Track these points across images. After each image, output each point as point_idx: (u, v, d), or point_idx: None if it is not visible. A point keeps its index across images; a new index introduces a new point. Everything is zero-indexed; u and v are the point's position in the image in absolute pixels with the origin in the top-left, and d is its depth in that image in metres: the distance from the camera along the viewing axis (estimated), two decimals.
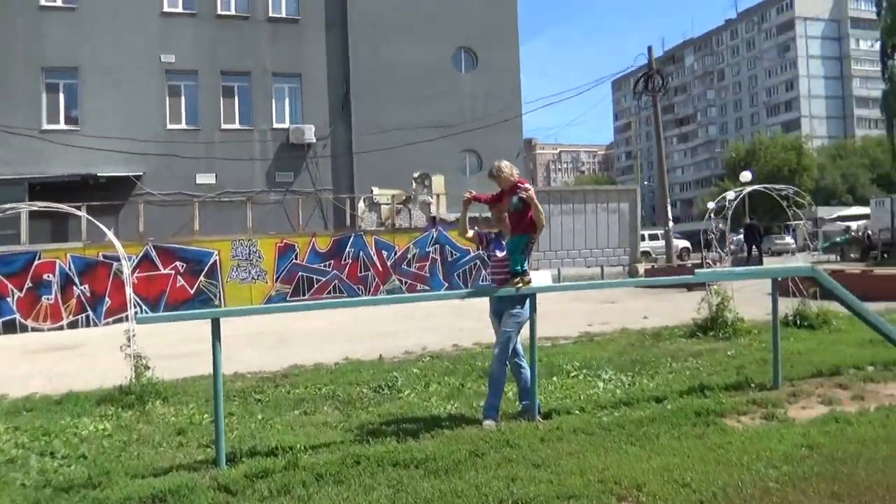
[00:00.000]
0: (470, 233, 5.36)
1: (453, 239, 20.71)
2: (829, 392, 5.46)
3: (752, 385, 5.72)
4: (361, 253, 19.70)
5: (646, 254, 28.78)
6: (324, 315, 13.00)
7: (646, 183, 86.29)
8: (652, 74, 22.42)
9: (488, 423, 4.90)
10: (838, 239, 30.04)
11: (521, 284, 4.96)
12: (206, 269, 18.01)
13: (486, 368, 7.37)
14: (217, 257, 18.12)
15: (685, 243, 38.93)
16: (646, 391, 5.87)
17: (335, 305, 5.18)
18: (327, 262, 19.30)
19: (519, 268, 4.99)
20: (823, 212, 56.21)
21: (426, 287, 20.12)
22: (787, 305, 10.06)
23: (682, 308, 12.64)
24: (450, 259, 20.61)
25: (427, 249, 20.38)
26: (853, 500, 3.18)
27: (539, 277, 21.06)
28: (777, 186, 9.59)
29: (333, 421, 5.46)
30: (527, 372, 5.22)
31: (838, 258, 29.78)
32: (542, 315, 12.96)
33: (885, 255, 24.81)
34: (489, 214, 5.40)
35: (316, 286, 19.05)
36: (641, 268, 22.78)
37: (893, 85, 21.14)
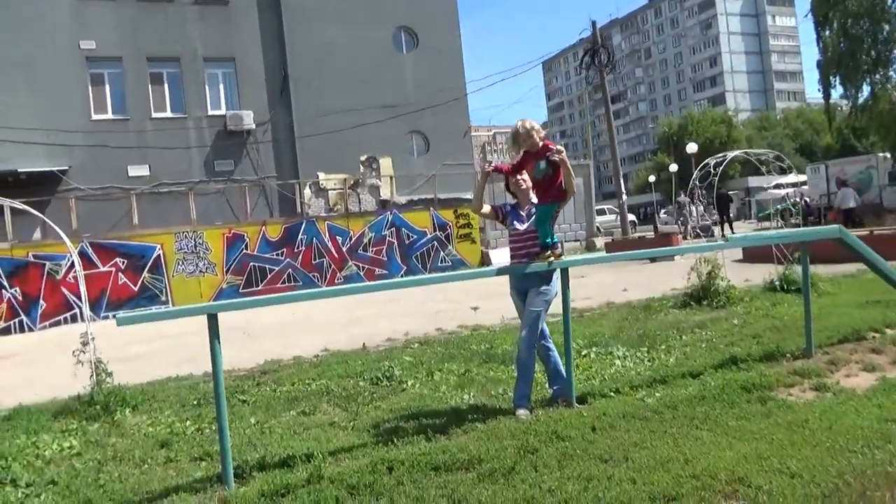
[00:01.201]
0: (486, 208, 4.80)
1: (409, 221, 20.14)
2: (866, 358, 5.19)
3: (786, 355, 5.40)
4: (315, 240, 18.87)
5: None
6: (283, 306, 12.24)
7: (582, 160, 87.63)
8: (597, 49, 22.22)
9: (522, 412, 4.40)
10: (778, 206, 30.86)
11: (552, 258, 4.44)
12: (149, 265, 16.85)
13: (485, 352, 6.93)
14: (161, 251, 16.98)
15: (631, 217, 39.41)
16: (672, 367, 5.48)
17: (344, 293, 4.55)
18: (279, 251, 18.40)
19: (549, 240, 4.46)
20: (753, 182, 58.30)
21: (385, 272, 19.49)
22: (772, 271, 9.98)
23: (657, 280, 12.49)
24: (407, 242, 20.03)
25: (383, 233, 19.73)
26: None
27: (498, 256, 20.73)
28: (758, 151, 9.42)
29: (340, 420, 4.85)
30: (556, 354, 4.74)
31: (782, 225, 30.64)
32: None
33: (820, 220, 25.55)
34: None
35: (269, 276, 18.14)
36: (599, 242, 22.75)
37: (827, 56, 21.61)
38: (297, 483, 3.51)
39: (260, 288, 17.89)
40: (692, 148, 24.17)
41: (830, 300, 8.43)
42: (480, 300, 11.25)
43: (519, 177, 4.56)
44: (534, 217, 4.53)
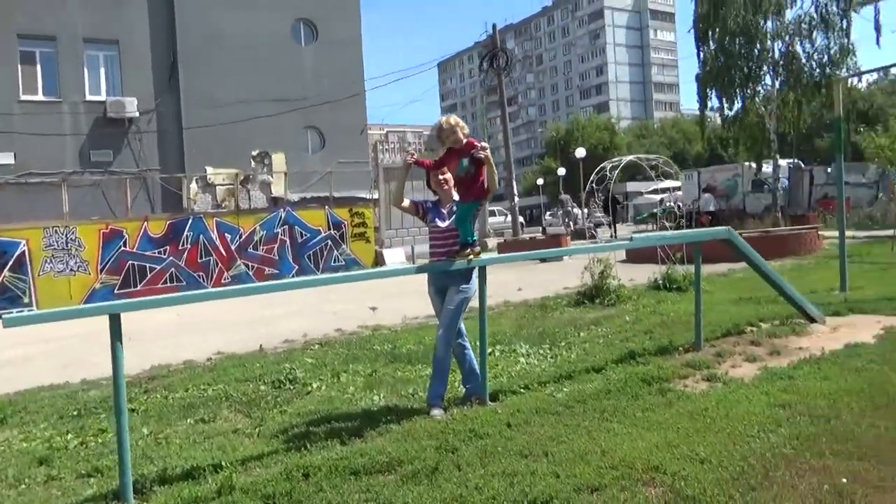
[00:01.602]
0: (406, 202, 4.72)
1: (303, 219, 19.64)
2: (748, 350, 5.58)
3: (678, 348, 5.69)
4: (202, 237, 17.96)
5: None
6: (167, 308, 11.58)
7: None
8: (496, 53, 22.65)
9: (437, 412, 4.36)
10: (655, 210, 32.79)
11: (472, 256, 4.43)
12: (10, 262, 15.37)
13: (390, 352, 6.85)
14: (26, 247, 15.55)
15: (520, 218, 40.48)
16: (574, 363, 5.65)
17: (274, 289, 4.33)
18: (162, 249, 17.36)
19: (470, 238, 4.45)
20: (631, 186, 61.67)
21: (275, 271, 18.89)
22: (654, 271, 10.55)
23: (549, 279, 12.91)
24: (300, 240, 19.50)
25: (275, 231, 19.10)
26: (872, 458, 3.08)
27: (393, 256, 20.66)
28: (649, 157, 9.94)
29: (244, 427, 4.60)
30: (471, 353, 4.74)
31: (654, 228, 32.59)
32: (414, 294, 12.51)
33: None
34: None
35: (150, 275, 17.07)
36: (490, 242, 23.18)
37: (705, 69, 23.18)
38: (206, 496, 3.28)
39: (139, 288, 16.79)
40: (580, 153, 25.22)
41: (708, 298, 8.92)
42: (378, 300, 11.14)
43: (441, 176, 4.52)
44: (455, 215, 4.51)
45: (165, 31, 22.91)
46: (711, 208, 24.88)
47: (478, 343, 4.71)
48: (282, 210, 19.45)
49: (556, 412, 4.17)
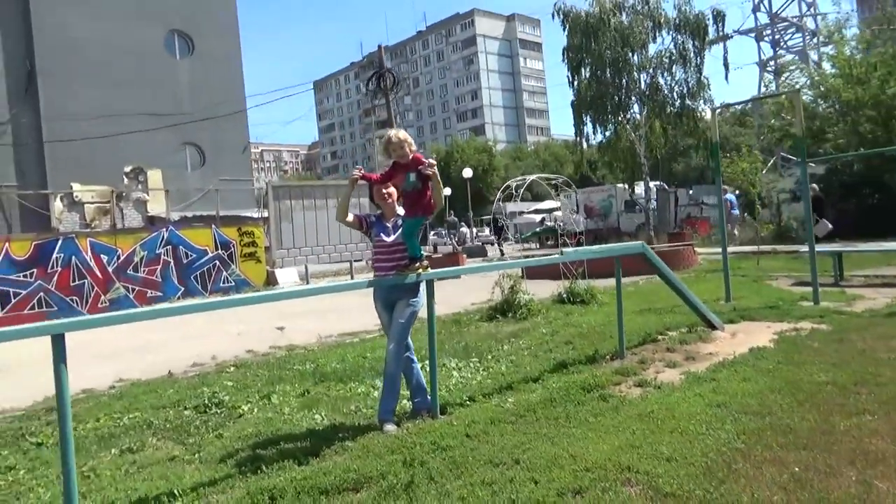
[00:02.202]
0: (350, 216, 4.65)
1: (188, 239, 18.65)
2: (666, 356, 5.96)
3: (605, 357, 5.99)
4: (74, 259, 16.56)
5: None
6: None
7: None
8: (384, 73, 22.82)
9: (390, 426, 4.32)
10: (538, 229, 34.13)
11: (421, 270, 4.45)
12: None
13: (315, 371, 6.66)
14: None
15: None
16: (508, 374, 5.78)
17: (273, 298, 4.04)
18: (28, 272, 15.82)
19: (418, 252, 4.47)
20: (511, 207, 63.81)
21: (159, 294, 17.77)
22: (554, 286, 11.00)
23: (454, 296, 13.06)
24: (185, 261, 18.48)
25: (157, 251, 17.98)
26: (815, 448, 3.40)
27: (285, 276, 20.10)
28: (550, 176, 10.39)
29: (181, 454, 4.32)
30: (418, 366, 4.75)
31: (537, 245, 33.98)
32: (322, 311, 12.22)
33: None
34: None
35: (14, 301, 15.50)
36: None
37: (580, 97, 24.63)
38: None
39: (1, 315, 15.21)
40: (468, 173, 25.88)
41: (610, 310, 9.53)
42: (281, 320, 10.84)
43: (385, 190, 4.51)
44: (401, 230, 4.52)
45: (21, 36, 21.20)
46: (581, 227, 26.32)
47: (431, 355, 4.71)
48: (164, 229, 18.35)
49: (510, 421, 4.26)
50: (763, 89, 32.86)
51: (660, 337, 6.89)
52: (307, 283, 20.09)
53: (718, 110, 26.79)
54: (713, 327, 7.03)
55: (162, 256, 18.08)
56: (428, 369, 4.80)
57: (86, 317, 3.30)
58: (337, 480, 3.44)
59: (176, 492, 3.47)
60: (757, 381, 4.76)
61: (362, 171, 4.51)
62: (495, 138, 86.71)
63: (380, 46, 23.32)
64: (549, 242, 33.60)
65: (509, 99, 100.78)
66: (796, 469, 3.14)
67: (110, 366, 8.10)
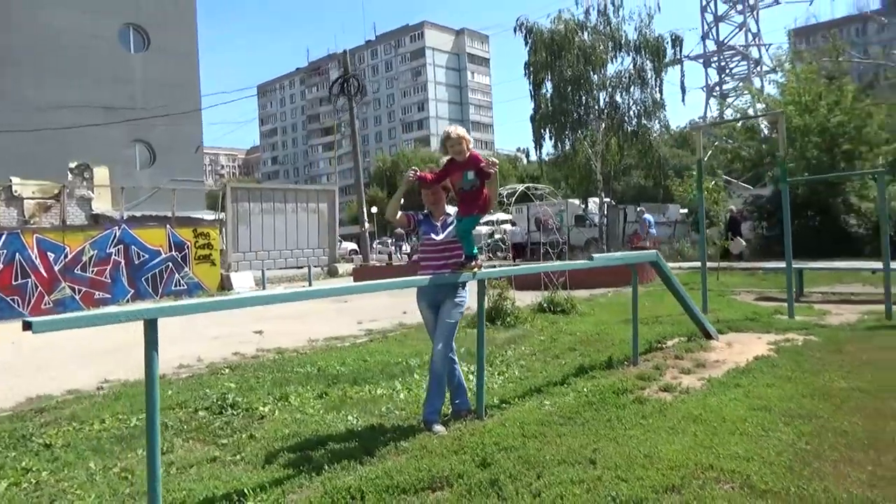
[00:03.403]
0: (399, 214, 4.58)
1: (141, 239, 17.93)
2: (677, 363, 6.08)
3: (623, 362, 6.07)
4: (18, 256, 15.65)
5: None
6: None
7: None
8: (349, 79, 22.61)
9: (439, 427, 4.25)
10: (489, 240, 34.44)
11: (476, 269, 4.42)
12: None
13: (321, 374, 6.49)
14: None
15: (353, 245, 40.26)
16: (527, 380, 5.77)
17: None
18: None
19: (475, 251, 4.43)
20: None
21: (107, 295, 16.97)
22: (539, 295, 11.09)
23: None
24: (137, 261, 17.74)
25: (108, 251, 17.20)
26: (878, 449, 3.53)
27: (241, 280, 19.58)
28: (539, 186, 10.51)
29: (222, 455, 4.11)
30: (459, 367, 4.68)
31: (490, 257, 34.30)
32: (299, 316, 11.95)
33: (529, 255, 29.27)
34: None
35: None
36: (341, 268, 22.81)
37: (540, 111, 25.08)
38: None
39: None
40: None
41: (594, 319, 9.70)
42: (258, 323, 10.56)
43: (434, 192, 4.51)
44: (451, 227, 4.48)
45: None
46: (519, 240, 26.86)
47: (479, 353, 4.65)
48: (116, 228, 17.56)
49: (559, 423, 4.25)
50: (709, 113, 34.27)
51: (662, 345, 7.03)
52: (263, 288, 19.61)
53: (684, 128, 27.92)
54: (710, 337, 7.24)
55: (112, 256, 17.32)
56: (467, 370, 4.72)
57: (180, 303, 3.14)
58: (412, 479, 3.35)
59: (246, 491, 3.30)
60: (782, 387, 4.92)
61: (417, 172, 4.45)
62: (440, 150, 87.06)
63: (345, 52, 23.12)
64: (500, 254, 34.02)
65: (456, 112, 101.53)
66: (869, 467, 3.26)
67: (91, 367, 7.67)
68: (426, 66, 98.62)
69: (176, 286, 18.47)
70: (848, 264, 13.57)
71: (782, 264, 13.83)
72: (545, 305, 10.61)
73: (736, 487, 3.06)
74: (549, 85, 24.17)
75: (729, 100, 31.44)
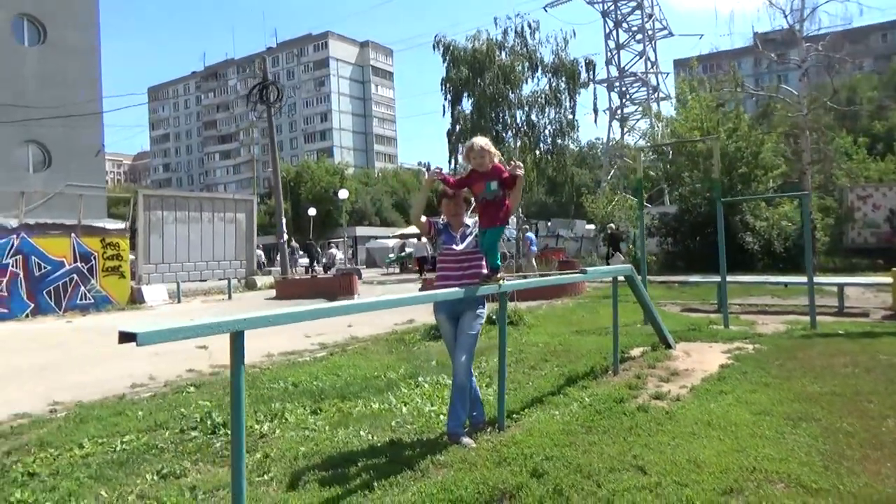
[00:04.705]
0: (423, 218, 4.55)
1: (42, 248, 16.60)
2: (652, 372, 6.37)
3: (606, 371, 6.28)
4: None
5: None
6: None
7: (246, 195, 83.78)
8: (268, 85, 22.00)
9: (467, 440, 4.23)
10: (401, 254, 34.49)
11: (501, 281, 4.45)
12: None
13: (300, 390, 6.29)
14: None
15: (259, 251, 38.99)
16: (518, 390, 5.85)
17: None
18: None
19: (499, 263, 4.47)
20: (361, 231, 63.89)
21: (4, 310, 15.57)
22: (490, 307, 11.21)
23: (369, 315, 12.78)
24: (37, 273, 16.39)
25: (5, 261, 15.80)
26: (892, 446, 3.87)
27: (153, 293, 18.56)
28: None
29: (249, 476, 3.89)
30: (475, 379, 4.69)
31: (399, 270, 34.34)
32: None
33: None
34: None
35: None
36: (259, 280, 22.04)
37: (457, 127, 25.52)
38: None
39: None
40: (343, 194, 25.63)
41: (544, 330, 9.96)
42: (200, 339, 10.02)
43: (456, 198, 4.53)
44: (470, 238, 4.51)
45: None
46: (424, 254, 27.27)
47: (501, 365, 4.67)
48: (14, 236, 16.15)
49: (581, 433, 4.35)
50: (612, 135, 36.09)
51: (628, 355, 7.33)
52: (178, 301, 18.65)
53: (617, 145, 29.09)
54: (669, 346, 7.63)
55: (10, 267, 15.93)
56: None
57: (268, 313, 2.95)
58: (472, 493, 3.34)
59: None
60: (766, 392, 5.27)
61: (441, 171, 4.45)
62: (344, 161, 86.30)
63: (263, 59, 22.52)
64: (410, 266, 34.15)
65: (359, 124, 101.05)
66: (888, 464, 3.57)
67: (27, 387, 7.04)
68: (329, 77, 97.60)
69: (82, 300, 17.22)
70: (763, 278, 14.69)
71: (700, 278, 14.82)
72: (493, 318, 10.76)
73: (788, 487, 3.27)
74: (466, 102, 24.61)
75: (630, 123, 33.21)
